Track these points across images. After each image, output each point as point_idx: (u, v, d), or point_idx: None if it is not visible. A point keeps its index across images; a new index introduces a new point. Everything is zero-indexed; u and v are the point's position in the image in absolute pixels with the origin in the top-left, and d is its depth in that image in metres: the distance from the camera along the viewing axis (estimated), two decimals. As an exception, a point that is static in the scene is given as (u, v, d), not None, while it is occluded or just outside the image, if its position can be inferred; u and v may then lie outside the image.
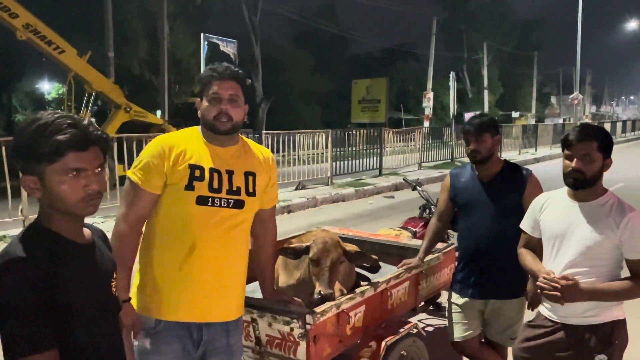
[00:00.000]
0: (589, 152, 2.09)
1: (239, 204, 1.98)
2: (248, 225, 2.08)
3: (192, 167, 1.92)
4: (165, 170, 1.91)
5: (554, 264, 2.19)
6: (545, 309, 2.28)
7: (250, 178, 2.03)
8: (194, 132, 2.04)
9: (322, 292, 2.36)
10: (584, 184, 2.11)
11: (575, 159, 2.10)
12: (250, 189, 2.02)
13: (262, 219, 2.19)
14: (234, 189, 1.98)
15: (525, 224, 2.40)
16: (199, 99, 2.04)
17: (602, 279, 2.10)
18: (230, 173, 1.98)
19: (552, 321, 2.23)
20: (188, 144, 1.98)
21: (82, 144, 1.29)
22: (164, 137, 2.03)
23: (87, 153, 1.30)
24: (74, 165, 1.28)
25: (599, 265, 2.11)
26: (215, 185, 1.94)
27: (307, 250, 2.55)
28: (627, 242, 2.07)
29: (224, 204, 1.95)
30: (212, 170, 1.95)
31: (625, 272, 2.14)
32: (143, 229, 2.01)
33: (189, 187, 1.91)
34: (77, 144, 1.28)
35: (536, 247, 2.34)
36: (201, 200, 1.91)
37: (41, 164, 1.27)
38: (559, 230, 2.19)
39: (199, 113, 2.02)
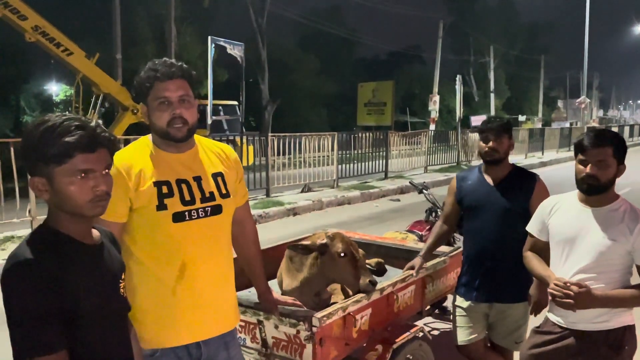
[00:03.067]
0: (604, 158, 2.06)
1: (217, 210, 1.85)
2: (229, 228, 1.97)
3: (158, 184, 1.75)
4: (129, 195, 1.73)
5: (563, 269, 2.17)
6: (553, 314, 2.26)
7: (219, 179, 1.89)
8: (146, 143, 1.85)
9: (372, 281, 2.50)
10: (598, 189, 2.09)
11: (589, 165, 2.07)
12: (224, 191, 1.89)
13: (238, 221, 2.03)
14: (207, 195, 1.83)
15: (532, 227, 2.38)
16: (141, 103, 1.80)
17: (612, 285, 2.09)
18: (198, 179, 1.83)
19: (561, 327, 2.21)
20: (144, 158, 1.79)
21: (90, 145, 1.30)
22: (117, 157, 1.76)
23: (94, 154, 1.31)
24: (82, 167, 1.29)
25: (610, 271, 2.09)
26: (187, 197, 1.79)
27: (321, 247, 2.56)
28: (639, 249, 2.05)
29: (202, 214, 1.81)
30: (179, 182, 1.79)
31: (635, 279, 2.13)
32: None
33: (161, 206, 1.75)
34: (85, 146, 1.29)
35: (542, 251, 2.32)
36: (178, 217, 1.76)
37: (49, 166, 1.29)
38: (570, 235, 2.16)
39: (146, 119, 1.82)
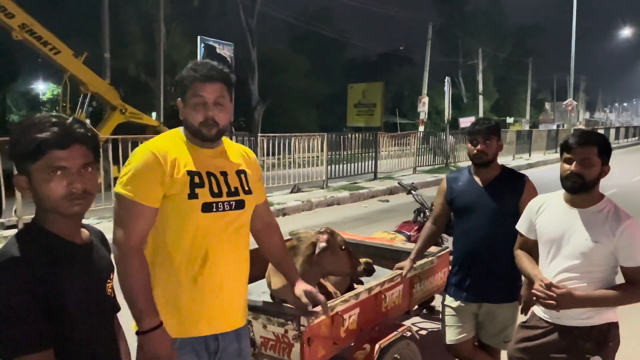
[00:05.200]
0: (589, 157, 2.10)
1: (240, 204, 1.92)
2: (249, 226, 2.03)
3: (191, 174, 1.82)
4: (165, 180, 1.78)
5: (549, 269, 2.21)
6: (539, 309, 2.29)
7: (243, 176, 1.97)
8: (178, 135, 1.92)
9: (365, 268, 2.71)
10: (582, 187, 2.12)
11: (574, 163, 2.11)
12: (246, 187, 1.96)
13: (261, 217, 2.12)
14: (232, 189, 1.91)
15: (521, 226, 2.41)
16: (179, 99, 1.89)
17: (596, 284, 2.12)
18: (224, 174, 1.91)
19: (546, 322, 2.24)
20: (178, 149, 1.86)
21: (62, 141, 1.28)
22: (153, 144, 1.86)
23: (68, 151, 1.29)
24: (55, 164, 1.28)
25: (594, 271, 2.12)
26: (216, 189, 1.86)
27: (313, 245, 2.58)
28: (623, 250, 2.08)
29: (227, 207, 1.87)
30: (208, 174, 1.87)
31: (620, 277, 2.16)
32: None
33: (192, 195, 1.80)
34: (57, 142, 1.27)
35: (532, 249, 2.35)
36: (206, 208, 1.82)
37: (27, 163, 1.28)
38: (555, 235, 2.20)
39: (180, 115, 1.90)
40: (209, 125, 1.84)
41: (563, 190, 2.22)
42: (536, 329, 2.28)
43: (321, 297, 2.19)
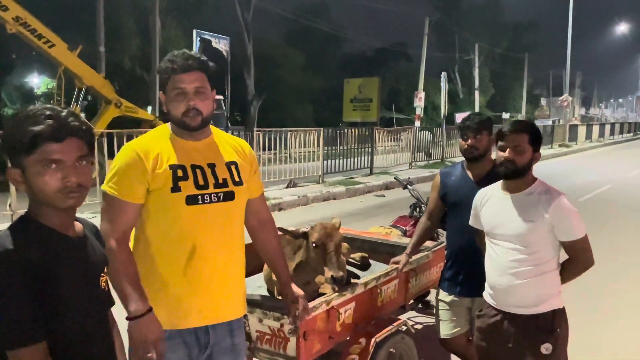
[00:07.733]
0: (520, 144, 2.22)
1: (229, 196, 1.91)
2: (242, 217, 2.02)
3: (174, 168, 1.83)
4: (146, 177, 1.81)
5: (496, 255, 2.32)
6: (488, 295, 2.38)
7: (233, 167, 1.96)
8: (165, 131, 1.93)
9: (334, 276, 2.41)
10: (514, 173, 2.24)
11: (507, 150, 2.22)
12: (237, 178, 1.95)
13: (255, 211, 2.11)
14: (220, 181, 1.90)
15: (472, 222, 2.53)
16: (161, 92, 1.90)
17: (543, 264, 2.22)
18: (212, 166, 1.91)
19: (495, 309, 2.33)
20: (162, 144, 1.87)
21: (57, 134, 1.27)
22: (136, 142, 1.89)
23: (63, 144, 1.28)
24: (50, 157, 1.27)
25: (537, 251, 2.22)
26: (201, 181, 1.86)
27: (303, 235, 2.56)
28: (557, 225, 2.19)
29: (214, 199, 1.87)
30: (194, 167, 1.87)
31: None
32: (132, 240, 1.92)
33: (175, 189, 1.82)
34: (52, 135, 1.26)
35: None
36: (191, 200, 1.83)
37: (21, 156, 1.27)
38: (495, 223, 2.31)
39: (164, 108, 1.91)
40: (191, 114, 1.84)
41: (502, 180, 2.35)
42: (488, 317, 2.36)
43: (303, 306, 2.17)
